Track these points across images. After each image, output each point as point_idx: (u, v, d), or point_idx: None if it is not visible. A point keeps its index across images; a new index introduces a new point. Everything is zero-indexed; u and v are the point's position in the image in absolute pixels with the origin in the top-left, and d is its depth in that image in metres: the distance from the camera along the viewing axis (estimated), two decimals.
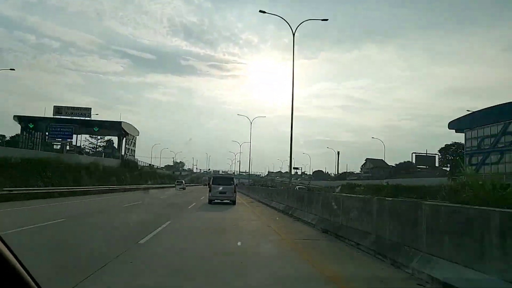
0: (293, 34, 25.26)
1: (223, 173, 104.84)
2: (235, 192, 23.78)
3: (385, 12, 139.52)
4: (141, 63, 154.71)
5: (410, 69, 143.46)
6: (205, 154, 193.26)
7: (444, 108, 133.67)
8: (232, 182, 24.29)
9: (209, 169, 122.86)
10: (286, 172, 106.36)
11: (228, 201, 23.03)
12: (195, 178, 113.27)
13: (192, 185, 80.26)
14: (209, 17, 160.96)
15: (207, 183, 48.84)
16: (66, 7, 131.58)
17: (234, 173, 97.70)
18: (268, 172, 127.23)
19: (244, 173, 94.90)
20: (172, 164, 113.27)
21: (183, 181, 60.57)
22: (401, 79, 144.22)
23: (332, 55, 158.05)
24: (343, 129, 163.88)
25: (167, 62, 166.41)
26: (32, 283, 1.13)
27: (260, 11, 26.22)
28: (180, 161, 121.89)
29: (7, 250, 1.07)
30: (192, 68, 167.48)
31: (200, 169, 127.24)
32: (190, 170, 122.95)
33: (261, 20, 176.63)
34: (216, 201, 22.99)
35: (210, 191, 23.44)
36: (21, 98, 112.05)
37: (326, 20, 26.64)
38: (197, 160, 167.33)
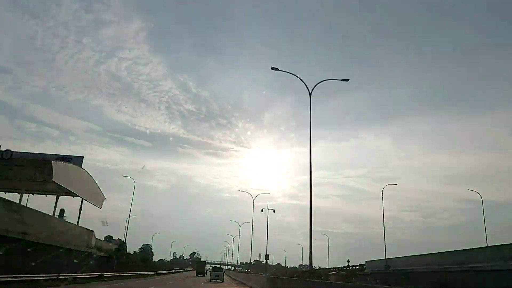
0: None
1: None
2: (223, 275, 49.20)
3: (383, 96, 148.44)
4: (138, 151, 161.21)
5: (409, 158, 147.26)
6: (197, 241, 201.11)
7: (445, 199, 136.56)
8: (221, 270, 50.79)
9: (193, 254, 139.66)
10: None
11: (220, 280, 45.37)
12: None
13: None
14: (207, 106, 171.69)
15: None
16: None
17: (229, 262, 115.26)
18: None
19: (242, 264, 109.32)
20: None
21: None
22: (400, 168, 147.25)
23: (328, 144, 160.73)
24: (342, 219, 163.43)
25: (164, 149, 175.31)
26: None
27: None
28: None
29: None
30: (189, 156, 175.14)
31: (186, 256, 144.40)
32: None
33: (257, 107, 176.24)
34: (213, 280, 45.27)
35: (210, 275, 48.87)
36: None
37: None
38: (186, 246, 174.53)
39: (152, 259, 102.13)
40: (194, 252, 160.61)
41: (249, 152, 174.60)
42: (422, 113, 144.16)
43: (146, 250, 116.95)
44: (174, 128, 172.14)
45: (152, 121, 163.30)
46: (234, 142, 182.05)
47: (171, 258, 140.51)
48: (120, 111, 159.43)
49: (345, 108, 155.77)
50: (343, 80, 25.31)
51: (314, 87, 24.08)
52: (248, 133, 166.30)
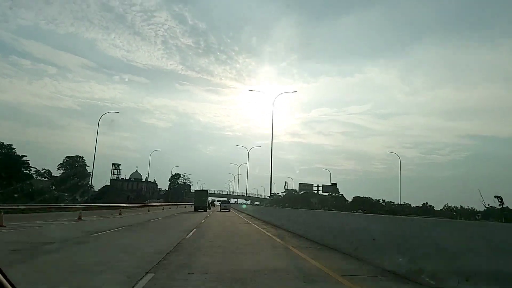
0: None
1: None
2: (230, 206, 60.38)
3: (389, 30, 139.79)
4: (137, 88, 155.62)
5: (413, 94, 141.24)
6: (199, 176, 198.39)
7: (446, 135, 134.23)
8: (228, 202, 63.57)
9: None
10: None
11: (227, 210, 55.22)
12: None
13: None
14: (205, 39, 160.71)
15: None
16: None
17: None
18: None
19: (243, 194, 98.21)
20: None
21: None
22: (404, 104, 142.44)
23: (332, 79, 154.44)
24: (344, 156, 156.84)
25: (162, 86, 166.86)
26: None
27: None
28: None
29: None
30: (189, 93, 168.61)
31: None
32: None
33: (257, 39, 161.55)
34: (222, 210, 54.81)
35: (220, 206, 61.06)
36: (15, 124, 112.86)
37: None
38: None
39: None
40: (178, 174, 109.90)
41: (250, 88, 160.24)
42: (433, 42, 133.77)
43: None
44: (173, 64, 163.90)
45: (149, 57, 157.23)
46: (235, 79, 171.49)
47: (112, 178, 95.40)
48: (115, 46, 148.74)
49: (353, 38, 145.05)
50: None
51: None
52: (249, 68, 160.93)
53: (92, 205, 37.73)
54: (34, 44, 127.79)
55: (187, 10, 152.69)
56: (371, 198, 76.66)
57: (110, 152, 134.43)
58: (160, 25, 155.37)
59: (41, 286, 5.54)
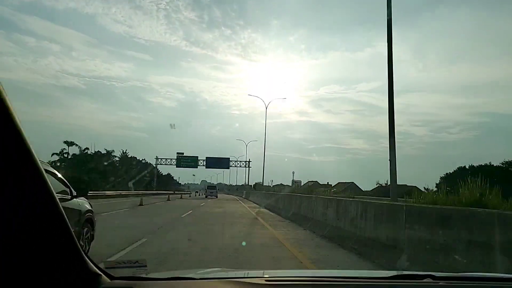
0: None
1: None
2: (217, 192, 55.28)
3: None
4: (142, 66, 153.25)
5: (426, 70, 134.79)
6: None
7: (457, 113, 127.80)
8: (215, 188, 55.47)
9: None
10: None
11: (214, 196, 51.36)
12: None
13: None
14: (209, 12, 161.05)
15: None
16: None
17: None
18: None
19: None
20: None
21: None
22: (416, 81, 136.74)
23: (341, 54, 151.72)
24: (353, 135, 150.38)
25: (167, 63, 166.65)
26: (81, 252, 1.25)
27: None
28: None
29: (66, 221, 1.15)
30: (194, 70, 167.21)
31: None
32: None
33: (263, 12, 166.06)
34: (208, 196, 51.44)
35: (206, 192, 54.46)
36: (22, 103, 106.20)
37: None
38: None
39: None
40: None
41: (257, 66, 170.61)
42: (450, 10, 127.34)
43: None
44: (176, 40, 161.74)
45: (151, 33, 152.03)
46: (241, 55, 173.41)
47: None
48: (116, 21, 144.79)
49: (363, 7, 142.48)
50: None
51: None
52: (255, 44, 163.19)
53: None
54: (37, 21, 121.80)
55: None
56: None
57: (117, 133, 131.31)
58: None
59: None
